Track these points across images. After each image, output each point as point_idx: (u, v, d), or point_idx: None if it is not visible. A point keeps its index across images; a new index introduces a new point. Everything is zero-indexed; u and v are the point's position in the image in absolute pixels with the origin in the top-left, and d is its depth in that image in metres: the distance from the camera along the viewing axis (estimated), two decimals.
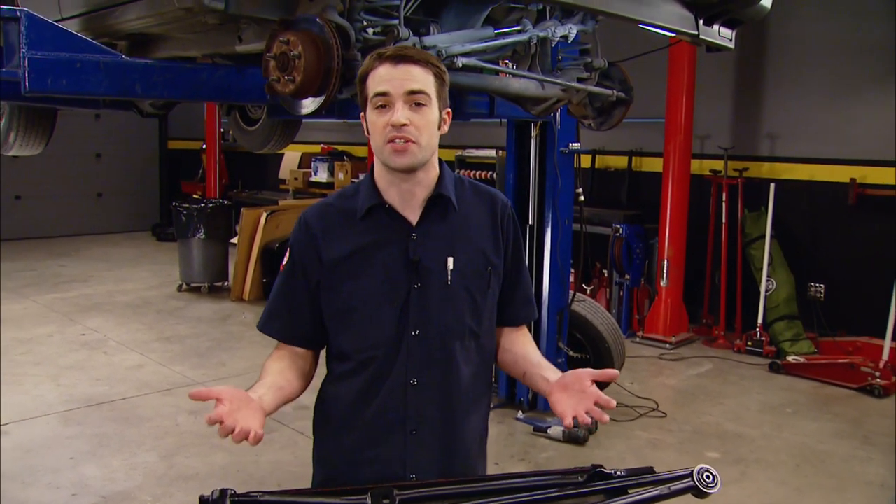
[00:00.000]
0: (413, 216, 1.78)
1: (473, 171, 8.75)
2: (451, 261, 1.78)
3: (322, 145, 11.18)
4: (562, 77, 3.28)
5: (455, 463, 1.83)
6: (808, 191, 6.82)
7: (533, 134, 5.08)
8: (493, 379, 5.02)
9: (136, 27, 3.29)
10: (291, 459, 4.32)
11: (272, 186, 11.70)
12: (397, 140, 1.66)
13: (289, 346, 1.85)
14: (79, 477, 4.16)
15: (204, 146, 11.92)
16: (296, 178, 10.93)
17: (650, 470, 1.70)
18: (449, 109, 1.78)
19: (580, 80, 3.32)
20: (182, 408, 5.13)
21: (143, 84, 2.90)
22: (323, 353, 1.90)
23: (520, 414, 5.05)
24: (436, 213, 1.79)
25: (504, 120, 5.28)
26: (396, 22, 2.58)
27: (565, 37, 2.94)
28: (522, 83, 3.15)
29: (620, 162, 8.01)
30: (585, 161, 7.98)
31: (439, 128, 1.74)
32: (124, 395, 5.33)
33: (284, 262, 1.85)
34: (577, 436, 4.68)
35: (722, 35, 3.06)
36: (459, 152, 9.10)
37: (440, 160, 1.82)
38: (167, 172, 13.29)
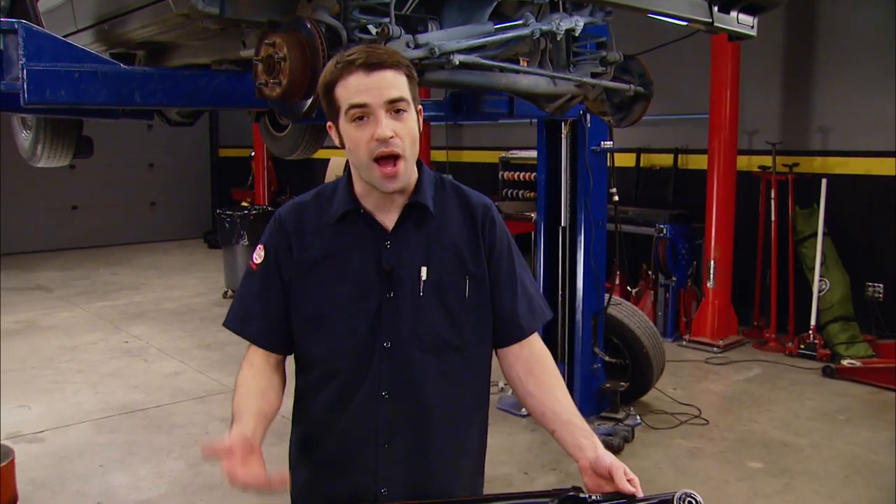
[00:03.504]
0: (389, 222, 1.71)
1: (518, 173, 8.62)
2: (424, 270, 1.69)
3: None
4: (575, 72, 3.14)
5: (429, 480, 1.73)
6: (863, 186, 6.48)
7: (563, 133, 4.94)
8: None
9: (145, 36, 3.29)
10: None
11: None
12: (385, 157, 1.58)
13: (261, 353, 1.77)
14: (106, 485, 4.18)
15: (253, 153, 12.06)
16: None
17: (630, 495, 1.56)
18: (420, 107, 1.68)
19: (595, 75, 3.18)
20: (214, 415, 5.15)
21: (142, 92, 2.89)
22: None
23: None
24: (412, 220, 1.71)
25: (534, 120, 5.15)
26: (387, 20, 2.49)
27: (572, 30, 2.80)
28: (531, 80, 3.03)
29: (666, 160, 7.76)
30: (630, 160, 7.78)
31: (418, 129, 1.65)
32: (159, 403, 5.37)
33: (256, 260, 1.77)
34: (611, 444, 4.51)
35: (741, 22, 2.88)
36: (503, 154, 8.95)
37: (419, 161, 1.72)
38: (218, 180, 13.51)
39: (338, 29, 2.46)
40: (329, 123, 1.66)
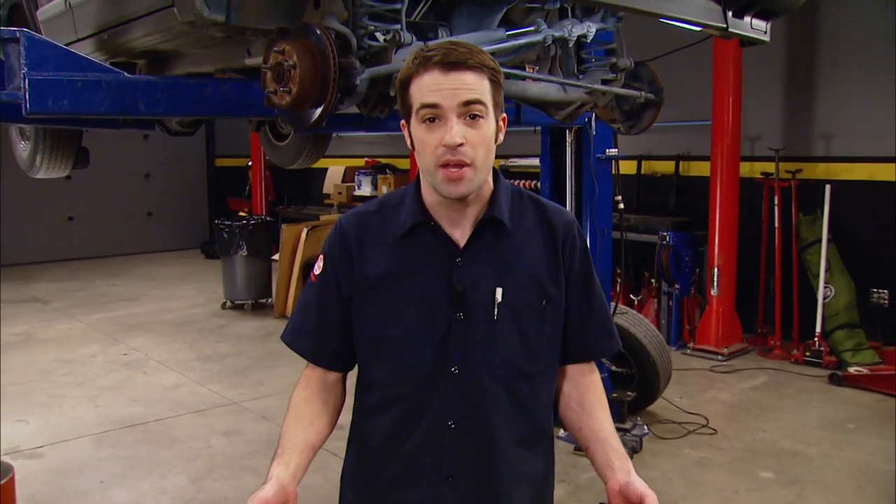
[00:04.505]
0: (461, 237, 1.58)
1: (518, 181, 8.57)
2: (499, 292, 1.57)
3: (366, 159, 11.13)
4: (585, 79, 3.09)
5: None
6: (867, 191, 6.44)
7: (568, 140, 4.90)
8: None
9: (148, 44, 3.24)
10: (322, 482, 4.18)
11: (317, 201, 11.70)
12: (451, 165, 1.46)
13: (318, 370, 1.68)
14: (107, 501, 4.10)
15: (250, 163, 12.01)
16: (339, 193, 10.90)
17: None
18: (505, 115, 1.56)
19: (605, 82, 3.13)
20: (215, 429, 5.07)
21: (146, 101, 2.84)
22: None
23: (561, 432, 4.84)
24: (487, 236, 1.59)
25: (538, 128, 5.11)
26: (398, 27, 2.45)
27: (584, 36, 2.76)
28: (542, 87, 2.98)
29: (667, 167, 7.73)
30: (631, 167, 7.74)
31: (496, 140, 1.53)
32: (159, 416, 5.29)
33: (316, 272, 1.67)
34: None
35: (755, 27, 2.84)
36: (503, 162, 8.91)
37: (496, 171, 1.61)
38: (215, 190, 13.47)
39: (347, 36, 2.40)
40: (402, 122, 1.56)
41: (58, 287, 9.83)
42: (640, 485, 1.52)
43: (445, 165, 1.47)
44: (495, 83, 1.50)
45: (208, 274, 10.50)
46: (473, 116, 1.46)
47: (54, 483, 4.30)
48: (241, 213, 10.87)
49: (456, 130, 1.45)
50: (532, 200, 1.68)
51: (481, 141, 1.48)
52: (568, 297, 1.65)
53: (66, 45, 3.18)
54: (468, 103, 1.45)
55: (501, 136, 1.55)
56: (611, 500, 1.56)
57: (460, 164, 1.47)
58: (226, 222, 8.41)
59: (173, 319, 8.14)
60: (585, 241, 1.70)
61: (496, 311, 1.57)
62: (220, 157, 13.54)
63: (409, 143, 1.55)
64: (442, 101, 1.45)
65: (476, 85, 1.46)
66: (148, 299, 9.18)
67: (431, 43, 1.54)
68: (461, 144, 1.45)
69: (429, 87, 1.46)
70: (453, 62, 1.45)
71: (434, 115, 1.46)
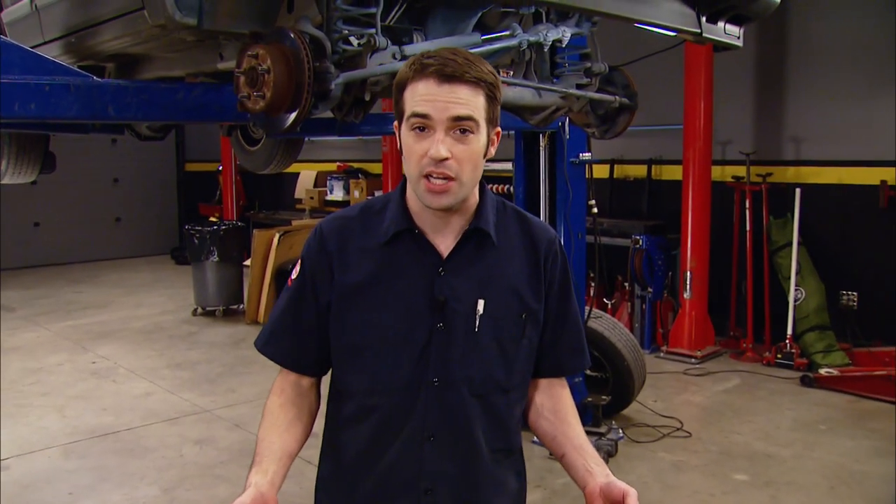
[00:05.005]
0: (445, 246, 1.57)
1: (490, 185, 8.56)
2: (480, 304, 1.56)
3: (338, 163, 11.08)
4: (560, 84, 3.09)
5: None
6: (837, 195, 6.53)
7: (542, 145, 4.90)
8: None
9: (117, 47, 3.19)
10: (297, 491, 4.11)
11: (289, 206, 11.61)
12: (434, 177, 1.45)
13: (292, 377, 1.66)
14: None
15: (220, 167, 11.89)
16: (311, 198, 10.83)
17: None
18: (499, 129, 1.54)
19: (580, 87, 3.14)
20: (187, 438, 4.99)
21: (116, 106, 2.78)
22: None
23: (535, 438, 4.83)
24: (470, 247, 1.57)
25: (512, 132, 5.10)
26: (373, 31, 2.42)
27: (559, 41, 2.75)
28: (516, 92, 2.97)
29: (640, 171, 7.78)
30: (604, 171, 7.77)
31: (485, 154, 1.51)
32: (129, 426, 5.20)
33: (293, 276, 1.65)
34: None
35: (728, 33, 2.86)
36: None
37: (482, 183, 1.59)
38: (185, 195, 13.29)
39: (322, 40, 2.38)
40: (395, 123, 1.54)
41: (24, 294, 9.64)
42: (621, 483, 1.52)
43: (429, 176, 1.46)
44: (491, 98, 1.48)
45: (178, 280, 10.35)
46: (463, 131, 1.45)
47: (20, 497, 4.19)
48: (212, 219, 10.74)
49: (441, 145, 1.43)
50: (515, 213, 1.67)
51: (469, 157, 1.46)
52: (545, 312, 1.65)
53: (32, 47, 3.12)
54: (459, 118, 1.43)
55: (493, 150, 1.54)
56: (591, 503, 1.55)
57: (444, 177, 1.45)
58: (196, 228, 8.30)
59: (143, 327, 8.01)
60: (566, 257, 1.70)
61: (477, 322, 1.56)
62: (191, 161, 13.39)
63: (399, 144, 1.53)
64: (433, 113, 1.43)
65: (470, 100, 1.44)
66: (117, 306, 9.04)
67: (432, 49, 1.52)
68: (446, 159, 1.44)
69: (422, 96, 1.44)
70: (449, 74, 1.43)
71: (423, 124, 1.44)
